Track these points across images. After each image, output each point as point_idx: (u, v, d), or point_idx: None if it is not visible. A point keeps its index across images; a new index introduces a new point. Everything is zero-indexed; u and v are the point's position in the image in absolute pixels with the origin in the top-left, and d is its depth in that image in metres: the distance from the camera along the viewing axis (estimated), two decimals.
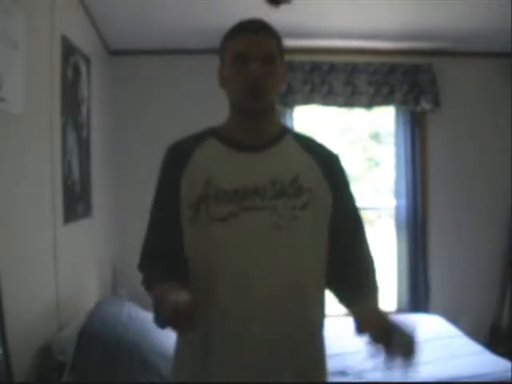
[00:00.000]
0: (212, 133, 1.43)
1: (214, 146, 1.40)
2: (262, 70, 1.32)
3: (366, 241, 1.48)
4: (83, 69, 2.96)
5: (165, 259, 1.38)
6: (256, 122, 1.38)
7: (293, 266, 1.33)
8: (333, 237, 1.39)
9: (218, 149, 1.39)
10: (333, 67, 3.77)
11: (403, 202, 3.91)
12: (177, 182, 1.37)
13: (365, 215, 4.42)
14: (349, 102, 3.79)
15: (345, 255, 1.41)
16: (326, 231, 1.39)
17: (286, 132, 1.45)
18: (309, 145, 1.43)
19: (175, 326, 1.19)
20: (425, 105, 3.80)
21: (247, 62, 1.32)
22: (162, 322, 1.24)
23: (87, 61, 3.04)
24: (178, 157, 1.40)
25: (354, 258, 1.44)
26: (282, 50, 1.42)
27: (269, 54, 1.35)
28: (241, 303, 1.30)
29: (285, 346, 1.32)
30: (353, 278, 1.41)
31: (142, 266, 1.44)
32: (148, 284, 1.39)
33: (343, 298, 1.45)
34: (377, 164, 4.42)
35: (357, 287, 1.40)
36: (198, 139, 1.42)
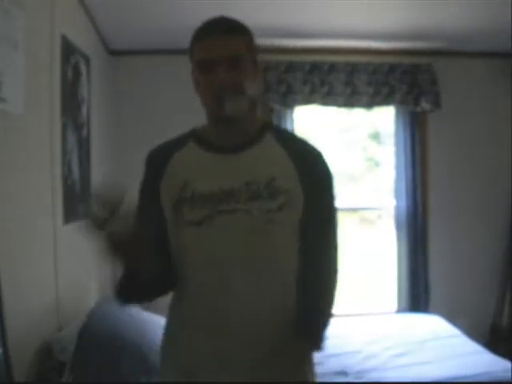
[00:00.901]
0: (193, 135, 1.43)
1: (193, 149, 1.40)
2: (229, 76, 1.27)
3: (329, 247, 1.41)
4: (83, 69, 2.96)
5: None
6: (230, 126, 1.36)
7: (268, 268, 1.33)
8: (299, 237, 1.37)
9: (195, 152, 1.39)
10: (333, 67, 3.78)
11: (403, 202, 3.91)
12: (157, 187, 1.38)
13: (365, 215, 4.44)
14: (349, 102, 3.79)
15: (305, 258, 1.38)
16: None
17: (268, 130, 1.41)
18: (289, 143, 1.40)
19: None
20: (425, 105, 3.80)
21: (212, 69, 1.28)
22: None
23: (87, 61, 3.04)
24: (156, 162, 1.41)
25: (312, 264, 1.38)
26: (254, 48, 1.36)
27: (234, 57, 1.29)
28: (217, 307, 1.32)
29: (264, 347, 1.32)
30: (306, 288, 1.37)
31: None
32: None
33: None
34: (377, 164, 4.41)
35: (304, 303, 1.36)
36: (178, 143, 1.42)
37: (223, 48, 1.28)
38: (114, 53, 3.69)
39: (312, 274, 1.38)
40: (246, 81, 1.31)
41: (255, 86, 1.37)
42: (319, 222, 1.38)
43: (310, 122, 4.10)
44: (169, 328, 1.45)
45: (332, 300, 1.41)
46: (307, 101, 3.77)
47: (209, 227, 1.31)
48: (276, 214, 1.31)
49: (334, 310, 1.43)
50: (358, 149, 4.30)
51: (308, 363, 1.42)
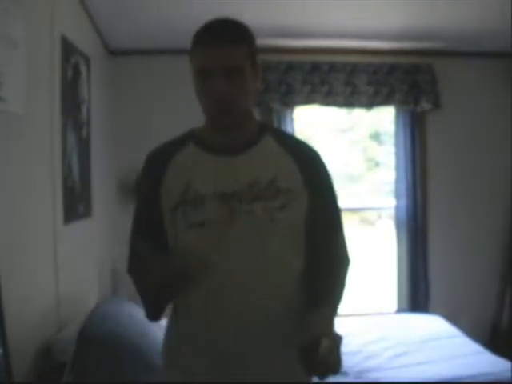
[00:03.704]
0: (192, 136, 1.43)
1: (193, 150, 1.40)
2: (228, 86, 1.28)
3: (337, 242, 1.43)
4: (83, 69, 2.96)
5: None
6: (229, 131, 1.37)
7: (272, 268, 1.33)
8: (305, 236, 1.38)
9: (196, 153, 1.39)
10: (333, 67, 3.77)
11: (403, 202, 3.91)
12: (157, 189, 1.38)
13: (365, 215, 4.44)
14: (349, 102, 3.79)
15: (313, 256, 1.38)
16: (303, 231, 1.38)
17: (266, 131, 1.43)
18: (288, 144, 1.41)
19: (187, 275, 1.26)
20: (425, 105, 3.80)
21: (211, 78, 1.28)
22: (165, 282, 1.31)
23: (87, 61, 3.04)
24: (156, 164, 1.41)
25: (321, 261, 1.39)
26: (255, 52, 1.36)
27: (234, 67, 1.28)
28: (222, 308, 1.32)
29: (269, 347, 1.33)
30: (315, 282, 1.37)
31: (131, 270, 1.44)
32: (139, 284, 1.41)
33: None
34: (377, 164, 4.41)
35: (315, 294, 1.35)
36: (177, 144, 1.42)
37: (223, 58, 1.27)
38: (114, 53, 3.68)
39: (323, 270, 1.38)
40: (244, 90, 1.32)
41: (255, 91, 1.38)
42: (326, 219, 1.41)
43: (310, 122, 4.10)
44: (172, 329, 1.45)
45: (344, 287, 1.42)
46: (307, 101, 3.77)
47: (211, 228, 1.31)
48: (279, 213, 1.32)
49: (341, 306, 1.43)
50: (358, 149, 4.30)
51: None
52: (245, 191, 1.32)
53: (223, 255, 1.31)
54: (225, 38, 1.29)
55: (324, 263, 1.39)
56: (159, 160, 1.41)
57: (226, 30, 1.31)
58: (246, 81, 1.32)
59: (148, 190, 1.42)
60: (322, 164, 1.43)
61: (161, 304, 1.42)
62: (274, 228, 1.32)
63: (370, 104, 3.82)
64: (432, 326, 3.32)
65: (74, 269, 2.72)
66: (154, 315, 1.43)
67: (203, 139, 1.41)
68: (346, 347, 3.13)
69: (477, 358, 2.82)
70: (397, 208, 3.95)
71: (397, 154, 3.94)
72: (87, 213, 3.04)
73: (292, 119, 3.84)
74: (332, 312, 1.34)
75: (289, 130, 3.78)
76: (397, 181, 3.95)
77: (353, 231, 4.31)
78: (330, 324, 1.29)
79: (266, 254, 1.32)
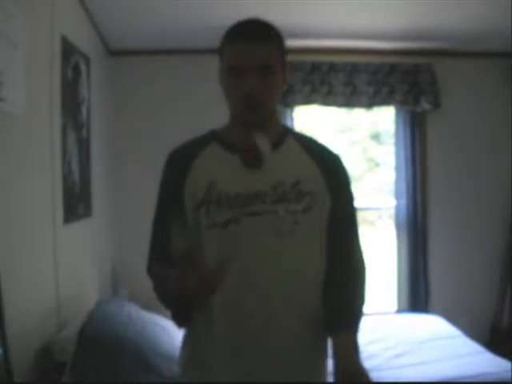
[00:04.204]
0: (214, 136, 1.42)
1: (216, 150, 1.39)
2: (259, 84, 1.29)
3: (355, 247, 1.43)
4: (83, 69, 2.96)
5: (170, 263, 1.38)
6: (254, 130, 1.36)
7: (294, 270, 1.32)
8: (326, 240, 1.38)
9: (219, 153, 1.39)
10: (333, 67, 3.77)
11: (403, 202, 3.91)
12: (180, 188, 1.37)
13: (365, 215, 4.43)
14: (349, 102, 3.79)
15: (333, 260, 1.38)
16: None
17: (288, 133, 1.44)
18: (310, 146, 1.42)
19: (201, 290, 1.23)
20: (425, 105, 3.80)
21: (243, 75, 1.29)
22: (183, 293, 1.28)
23: (87, 61, 3.04)
24: (179, 163, 1.40)
25: (341, 263, 1.38)
26: (284, 51, 1.38)
27: (266, 66, 1.30)
28: (243, 309, 1.30)
29: (287, 346, 1.32)
30: (335, 287, 1.36)
31: (150, 270, 1.43)
32: (159, 286, 1.39)
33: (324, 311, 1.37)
34: (377, 164, 4.41)
35: (336, 302, 1.34)
36: (199, 144, 1.42)
37: (255, 56, 1.28)
38: (114, 53, 3.68)
39: (343, 273, 1.38)
40: (274, 89, 1.33)
41: (283, 89, 1.38)
42: (346, 222, 1.41)
43: (310, 121, 4.10)
44: (192, 330, 1.42)
45: (365, 294, 1.41)
46: (307, 101, 3.77)
47: (235, 228, 1.31)
48: (302, 215, 1.32)
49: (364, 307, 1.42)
50: (358, 149, 4.30)
51: (324, 364, 1.42)
52: (268, 192, 1.32)
53: (245, 256, 1.31)
54: (258, 37, 1.30)
55: (344, 268, 1.38)
56: (182, 159, 1.40)
57: (259, 29, 1.33)
58: (276, 80, 1.33)
59: (171, 189, 1.40)
60: (343, 168, 1.44)
61: (184, 312, 1.39)
62: (296, 230, 1.32)
63: (369, 104, 3.82)
64: (432, 326, 3.32)
65: (74, 269, 2.72)
66: (180, 323, 1.42)
67: (227, 139, 1.40)
68: None
69: (477, 358, 2.82)
70: (397, 208, 3.95)
71: (397, 154, 3.94)
72: (87, 213, 3.05)
73: (292, 119, 3.84)
74: (355, 334, 1.34)
75: None
76: (397, 181, 3.94)
77: None
78: (356, 351, 1.30)
79: (289, 255, 1.32)
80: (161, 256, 1.39)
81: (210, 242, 1.33)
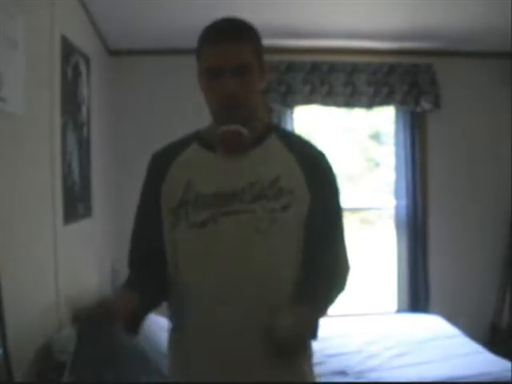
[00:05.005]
0: (197, 137, 1.43)
1: (196, 150, 1.40)
2: (237, 84, 1.28)
3: (336, 247, 1.40)
4: (83, 69, 2.96)
5: (146, 264, 1.41)
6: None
7: (272, 269, 1.32)
8: (305, 239, 1.36)
9: (199, 153, 1.39)
10: (333, 67, 3.78)
11: (403, 202, 3.91)
12: (158, 188, 1.38)
13: (365, 215, 4.44)
14: (349, 102, 3.80)
15: (310, 260, 1.36)
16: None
17: (272, 131, 1.42)
18: (293, 144, 1.40)
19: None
20: (425, 105, 3.81)
21: (220, 76, 1.29)
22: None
23: (87, 61, 3.04)
24: (159, 164, 1.42)
25: (318, 265, 1.36)
26: (260, 50, 1.36)
27: (242, 65, 1.29)
28: (219, 307, 1.31)
29: (260, 349, 1.30)
30: (308, 281, 1.33)
31: (131, 266, 1.47)
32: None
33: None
34: (377, 164, 4.41)
35: (304, 290, 1.32)
36: (182, 145, 1.43)
37: (232, 56, 1.28)
38: (114, 53, 3.69)
39: (318, 273, 1.35)
40: (252, 88, 1.33)
41: (261, 87, 1.38)
42: (326, 221, 1.38)
43: (310, 122, 4.10)
44: (172, 326, 1.45)
45: (335, 296, 1.39)
46: (307, 101, 3.77)
47: (212, 228, 1.31)
48: (280, 214, 1.31)
49: (331, 309, 1.40)
50: (358, 149, 4.30)
51: (307, 363, 1.41)
52: (246, 190, 1.31)
53: (223, 255, 1.31)
54: (233, 37, 1.29)
55: (321, 267, 1.36)
56: (163, 160, 1.41)
57: (233, 29, 1.32)
58: (254, 79, 1.32)
59: (149, 190, 1.42)
60: (325, 165, 1.41)
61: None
62: (275, 229, 1.31)
63: (370, 104, 3.82)
64: (432, 326, 3.32)
65: (74, 269, 2.72)
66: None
67: (208, 139, 1.40)
68: (346, 347, 3.15)
69: (477, 357, 2.82)
70: (397, 208, 3.95)
71: (397, 154, 3.94)
72: (87, 213, 3.04)
73: (292, 119, 3.84)
74: (314, 312, 1.30)
75: (289, 130, 3.78)
76: (397, 181, 3.95)
77: (353, 231, 4.32)
78: (307, 321, 1.27)
79: (266, 254, 1.31)
80: (138, 258, 1.45)
81: (188, 241, 1.33)
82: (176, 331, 1.42)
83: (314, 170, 1.37)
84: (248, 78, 1.30)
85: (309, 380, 1.40)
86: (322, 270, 1.36)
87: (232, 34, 1.30)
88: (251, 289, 1.30)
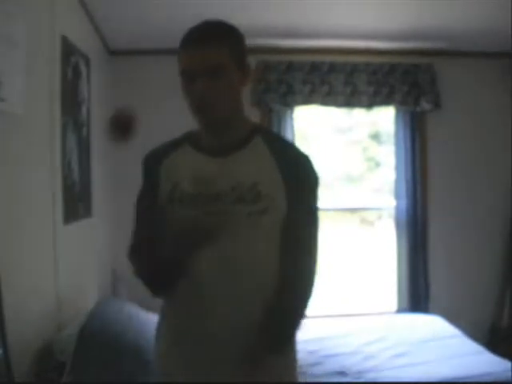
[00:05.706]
0: (188, 138, 1.46)
1: (186, 151, 1.43)
2: (210, 86, 1.30)
3: (305, 250, 1.40)
4: (83, 69, 2.96)
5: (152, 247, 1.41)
6: (216, 131, 1.39)
7: (249, 271, 1.35)
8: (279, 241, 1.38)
9: (188, 154, 1.42)
10: (333, 67, 3.77)
11: (403, 202, 3.91)
12: (155, 187, 1.42)
13: (365, 215, 4.43)
14: (349, 102, 3.79)
15: (282, 261, 1.38)
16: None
17: (258, 133, 1.43)
18: (276, 148, 1.40)
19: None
20: (425, 105, 3.80)
21: (194, 79, 1.31)
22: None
23: (87, 61, 3.04)
24: (151, 164, 1.46)
25: (288, 267, 1.37)
26: (241, 50, 1.36)
27: (215, 67, 1.30)
28: (196, 308, 1.36)
29: (236, 345, 1.35)
30: (276, 295, 1.36)
31: (131, 256, 1.45)
32: (140, 260, 1.41)
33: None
34: (377, 164, 4.41)
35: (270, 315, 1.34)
36: (173, 145, 1.46)
37: (204, 59, 1.29)
38: (114, 53, 3.68)
39: (287, 276, 1.37)
40: (228, 89, 1.33)
41: (240, 90, 1.38)
42: (298, 225, 1.38)
43: (310, 122, 4.09)
44: (158, 328, 1.51)
45: (303, 303, 1.40)
46: (307, 101, 3.77)
47: (195, 227, 1.35)
48: (258, 217, 1.33)
49: (307, 313, 1.42)
50: (358, 149, 4.30)
51: (288, 363, 1.44)
52: (228, 192, 1.34)
53: (203, 256, 1.34)
54: (203, 40, 1.31)
55: (286, 280, 1.37)
56: (154, 160, 1.46)
57: (205, 32, 1.33)
58: (229, 80, 1.33)
59: (146, 189, 1.47)
60: (307, 168, 1.41)
61: (162, 276, 1.41)
62: (252, 231, 1.34)
63: (369, 104, 3.82)
64: (432, 326, 3.32)
65: (74, 269, 2.72)
66: (155, 290, 1.44)
67: (198, 140, 1.43)
68: (345, 347, 3.15)
69: (477, 358, 2.82)
70: (397, 208, 3.95)
71: (397, 154, 3.94)
72: (87, 213, 3.05)
73: (292, 119, 3.84)
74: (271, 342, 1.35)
75: (289, 129, 3.78)
76: (397, 181, 3.94)
77: (353, 231, 4.31)
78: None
79: (243, 257, 1.35)
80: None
81: (174, 239, 1.36)
82: (163, 319, 1.47)
83: (293, 173, 1.37)
84: (222, 79, 1.31)
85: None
86: (285, 287, 1.37)
87: (204, 36, 1.31)
88: (227, 289, 1.34)
